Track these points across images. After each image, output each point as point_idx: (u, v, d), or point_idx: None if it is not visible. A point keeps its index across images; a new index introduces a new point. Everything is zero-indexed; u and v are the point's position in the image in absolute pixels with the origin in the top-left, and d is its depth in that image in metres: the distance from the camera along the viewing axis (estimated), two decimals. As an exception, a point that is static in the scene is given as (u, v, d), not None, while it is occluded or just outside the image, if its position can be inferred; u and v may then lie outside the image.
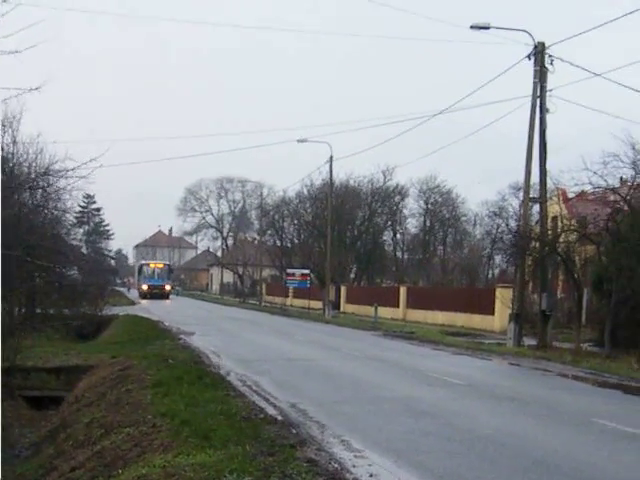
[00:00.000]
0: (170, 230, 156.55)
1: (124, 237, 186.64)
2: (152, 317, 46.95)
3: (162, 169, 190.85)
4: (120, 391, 18.21)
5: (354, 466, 11.21)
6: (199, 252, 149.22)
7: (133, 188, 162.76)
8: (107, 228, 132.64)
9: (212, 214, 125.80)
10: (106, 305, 46.48)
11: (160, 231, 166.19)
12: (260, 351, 30.08)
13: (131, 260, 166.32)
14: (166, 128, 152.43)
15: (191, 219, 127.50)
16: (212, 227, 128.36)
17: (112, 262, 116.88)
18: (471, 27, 32.13)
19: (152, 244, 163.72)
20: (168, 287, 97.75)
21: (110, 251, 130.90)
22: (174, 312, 59.76)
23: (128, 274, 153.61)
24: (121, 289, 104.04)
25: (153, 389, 17.06)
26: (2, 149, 31.53)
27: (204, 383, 17.90)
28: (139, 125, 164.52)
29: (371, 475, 10.78)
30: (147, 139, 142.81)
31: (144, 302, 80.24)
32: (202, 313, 61.66)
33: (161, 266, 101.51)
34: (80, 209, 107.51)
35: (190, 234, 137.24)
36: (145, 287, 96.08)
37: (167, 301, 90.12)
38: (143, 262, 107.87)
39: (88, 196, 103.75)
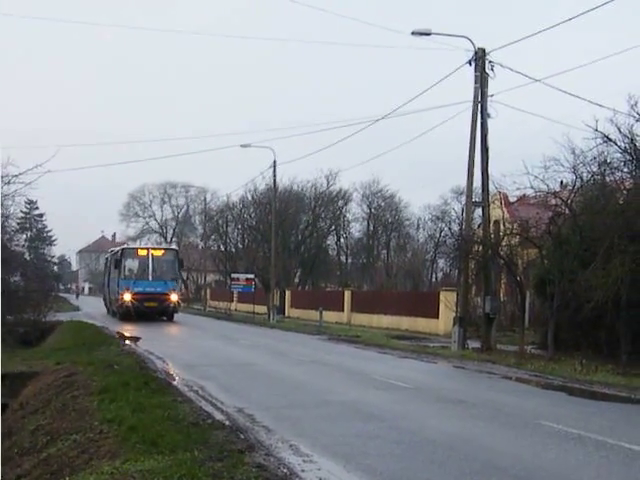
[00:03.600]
0: (113, 236, 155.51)
1: (67, 243, 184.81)
2: (96, 323, 46.58)
3: (105, 174, 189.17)
4: (66, 398, 18.05)
5: (303, 470, 11.23)
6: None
7: (75, 194, 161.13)
8: (50, 234, 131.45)
9: (156, 219, 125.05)
10: (50, 311, 46.03)
11: (103, 236, 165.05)
12: (206, 356, 29.97)
13: (74, 266, 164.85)
14: (108, 134, 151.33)
15: (134, 224, 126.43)
16: (156, 232, 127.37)
17: (55, 268, 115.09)
18: (412, 33, 32.26)
19: (95, 249, 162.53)
20: (174, 296, 54.78)
21: (53, 257, 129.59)
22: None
23: (71, 280, 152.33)
24: (65, 295, 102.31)
25: (99, 395, 16.93)
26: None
27: (151, 389, 17.81)
28: (80, 130, 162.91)
29: (320, 479, 10.80)
30: (89, 145, 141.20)
31: (128, 327, 45.74)
32: (146, 318, 61.22)
33: (161, 253, 57.09)
34: (22, 215, 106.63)
35: (134, 239, 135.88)
36: (129, 297, 52.54)
37: (171, 328, 50.07)
38: (125, 247, 62.52)
39: (31, 202, 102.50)
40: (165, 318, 55.27)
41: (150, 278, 53.63)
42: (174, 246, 68.24)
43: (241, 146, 59.66)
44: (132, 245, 70.25)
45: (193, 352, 31.41)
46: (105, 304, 69.26)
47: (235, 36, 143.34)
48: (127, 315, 52.57)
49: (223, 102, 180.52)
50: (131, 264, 56.25)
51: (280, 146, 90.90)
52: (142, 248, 59.65)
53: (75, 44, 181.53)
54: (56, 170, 31.65)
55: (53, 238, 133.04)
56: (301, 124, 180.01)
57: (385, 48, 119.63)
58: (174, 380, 21.18)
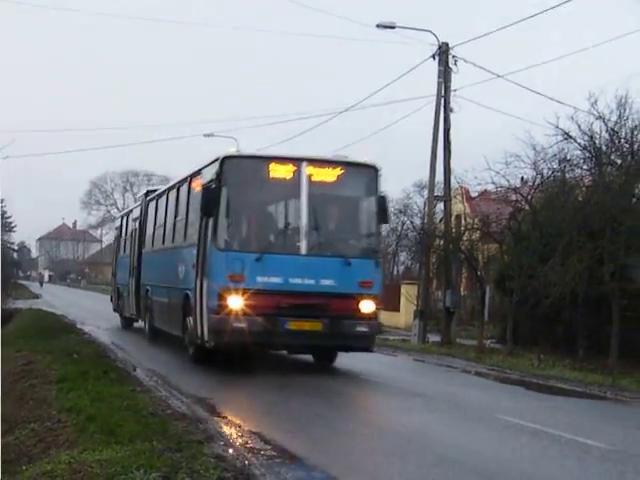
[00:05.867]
0: (74, 223, 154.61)
1: (26, 229, 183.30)
2: (56, 311, 46.20)
3: (66, 161, 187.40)
4: (24, 386, 17.89)
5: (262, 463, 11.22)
6: (104, 246, 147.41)
7: (36, 180, 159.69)
8: (9, 220, 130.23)
9: (117, 207, 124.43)
10: (9, 299, 45.65)
11: (64, 224, 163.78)
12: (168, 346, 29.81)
13: (34, 253, 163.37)
14: (70, 120, 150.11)
15: (96, 212, 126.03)
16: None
17: (15, 255, 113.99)
18: (377, 26, 32.59)
19: (56, 237, 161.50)
20: (369, 305, 19.27)
21: (12, 244, 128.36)
22: (77, 305, 58.91)
23: (31, 267, 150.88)
24: (25, 282, 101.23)
25: (58, 384, 16.80)
26: None
27: (110, 378, 17.67)
28: (42, 116, 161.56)
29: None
30: (51, 131, 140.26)
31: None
32: (106, 307, 60.80)
33: (335, 177, 18.92)
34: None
35: (95, 227, 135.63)
36: (239, 303, 17.97)
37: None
38: (231, 154, 18.68)
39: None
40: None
41: (304, 249, 18.93)
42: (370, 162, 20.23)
43: (204, 135, 59.53)
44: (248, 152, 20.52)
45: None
46: (118, 308, 38.29)
47: (202, 24, 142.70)
48: (230, 351, 20.52)
49: (189, 91, 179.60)
50: (245, 206, 19.80)
51: (245, 136, 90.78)
52: (281, 158, 19.28)
53: (29, 29, 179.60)
54: (15, 156, 31.39)
55: (12, 224, 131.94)
56: (267, 115, 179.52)
57: (352, 40, 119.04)
58: (134, 370, 21.05)
